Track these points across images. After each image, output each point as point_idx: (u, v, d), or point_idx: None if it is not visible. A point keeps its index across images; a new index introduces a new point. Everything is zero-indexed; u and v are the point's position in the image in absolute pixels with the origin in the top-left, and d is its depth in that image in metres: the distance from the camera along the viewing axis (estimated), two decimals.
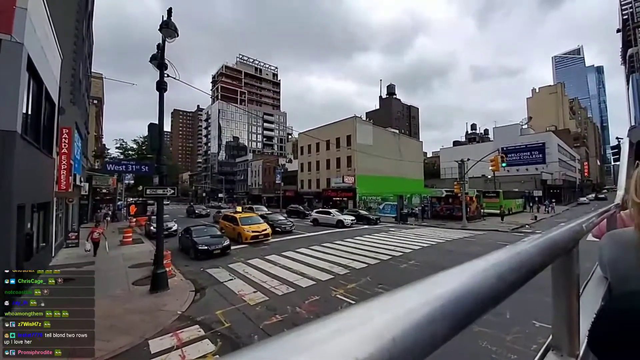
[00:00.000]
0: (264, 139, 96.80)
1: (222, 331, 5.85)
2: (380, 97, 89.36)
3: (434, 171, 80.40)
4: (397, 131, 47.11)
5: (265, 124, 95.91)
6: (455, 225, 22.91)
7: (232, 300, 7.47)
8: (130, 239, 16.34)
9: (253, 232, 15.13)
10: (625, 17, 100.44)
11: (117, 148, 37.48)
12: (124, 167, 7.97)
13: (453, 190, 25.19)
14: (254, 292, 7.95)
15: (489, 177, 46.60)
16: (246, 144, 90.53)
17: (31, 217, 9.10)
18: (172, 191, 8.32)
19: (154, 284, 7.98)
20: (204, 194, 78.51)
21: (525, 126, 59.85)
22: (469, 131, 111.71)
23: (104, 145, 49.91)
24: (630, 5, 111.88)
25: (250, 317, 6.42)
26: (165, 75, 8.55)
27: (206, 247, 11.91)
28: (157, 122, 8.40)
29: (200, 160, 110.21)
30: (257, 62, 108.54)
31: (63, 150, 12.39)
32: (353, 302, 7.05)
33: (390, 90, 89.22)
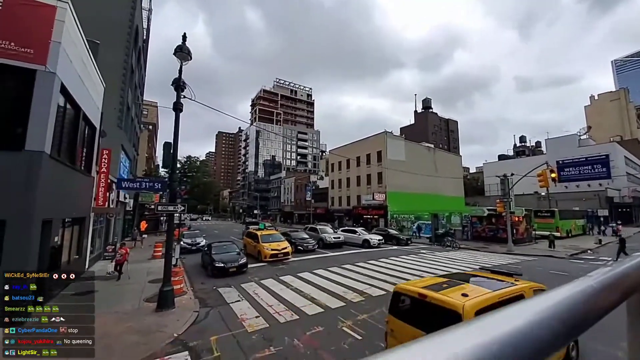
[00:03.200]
0: (298, 157, 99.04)
1: None
2: (415, 111, 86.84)
3: (478, 188, 74.64)
4: (432, 146, 44.79)
5: (299, 142, 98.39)
6: (499, 248, 20.38)
7: (232, 324, 7.02)
8: (160, 254, 16.99)
9: (272, 250, 14.81)
10: None
11: (162, 167, 40.82)
12: (137, 184, 8.27)
13: (497, 209, 22.63)
14: (256, 317, 7.44)
15: (543, 194, 41.74)
16: (282, 163, 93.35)
17: (62, 231, 9.82)
18: (183, 208, 8.36)
19: (159, 302, 7.91)
20: (240, 210, 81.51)
21: (584, 136, 53.28)
22: (518, 144, 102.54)
23: (158, 165, 54.88)
24: None
25: (243, 346, 5.89)
26: (182, 96, 8.86)
27: (222, 265, 11.79)
28: (178, 141, 8.69)
29: (239, 178, 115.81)
30: (292, 84, 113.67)
31: (102, 170, 13.49)
32: (359, 337, 6.18)
33: (426, 104, 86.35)
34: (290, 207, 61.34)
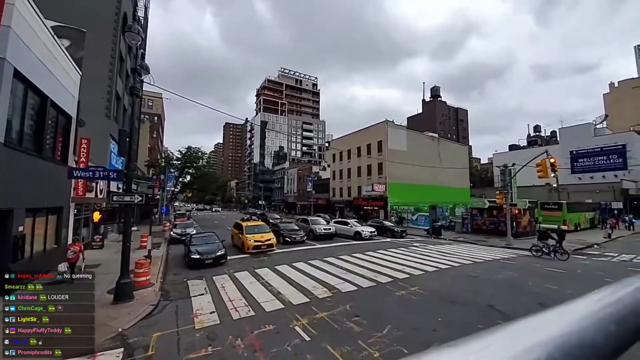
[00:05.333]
0: (304, 148, 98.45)
1: None
2: (423, 100, 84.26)
3: (487, 179, 72.74)
4: (436, 135, 43.33)
5: (304, 133, 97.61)
6: (498, 242, 19.54)
7: (183, 320, 6.72)
8: (146, 244, 16.99)
9: (255, 241, 14.53)
10: None
11: (163, 159, 41.00)
12: (90, 173, 7.94)
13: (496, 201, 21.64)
14: (211, 312, 7.12)
15: (554, 185, 40.04)
16: (287, 153, 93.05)
17: (32, 221, 9.73)
18: (140, 198, 8.04)
19: (116, 294, 7.69)
20: (246, 201, 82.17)
21: (601, 125, 50.53)
22: (532, 133, 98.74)
23: (167, 156, 55.24)
24: None
25: (181, 345, 5.57)
26: (139, 80, 8.43)
27: (198, 257, 11.57)
28: (136, 127, 8.34)
29: (245, 169, 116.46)
30: (297, 73, 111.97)
31: (81, 159, 13.34)
32: (308, 338, 5.76)
33: (435, 92, 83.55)
34: (294, 198, 61.24)
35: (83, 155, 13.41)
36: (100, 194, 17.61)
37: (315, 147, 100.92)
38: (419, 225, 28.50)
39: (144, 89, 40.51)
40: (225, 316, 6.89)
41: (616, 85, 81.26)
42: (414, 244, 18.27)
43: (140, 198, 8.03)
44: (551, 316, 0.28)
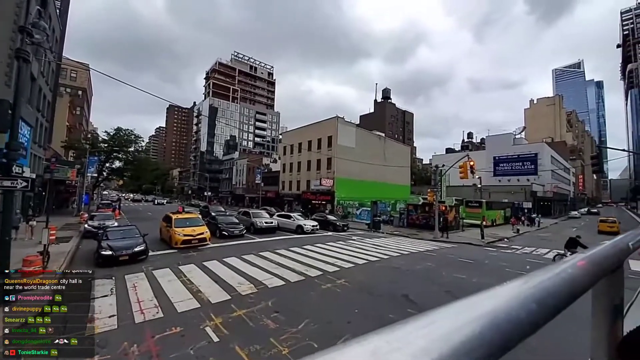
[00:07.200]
0: (257, 138, 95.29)
1: None
2: (375, 100, 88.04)
3: (427, 178, 79.31)
4: (382, 134, 45.60)
5: (257, 123, 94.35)
6: (427, 235, 21.34)
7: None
8: (54, 237, 14.65)
9: (185, 235, 13.48)
10: (626, 32, 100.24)
11: (83, 139, 35.75)
12: None
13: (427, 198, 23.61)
14: (110, 316, 6.30)
15: (479, 186, 45.33)
16: (237, 143, 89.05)
17: None
18: (25, 183, 6.72)
19: None
20: (189, 192, 76.81)
21: (519, 136, 58.64)
22: (465, 139, 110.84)
23: (95, 136, 47.93)
24: (631, 21, 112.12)
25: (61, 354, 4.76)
26: (29, 42, 6.99)
27: (109, 253, 10.25)
28: (21, 98, 6.87)
29: (191, 157, 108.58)
30: (252, 60, 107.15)
31: None
32: (217, 339, 5.43)
33: (386, 94, 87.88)
34: (242, 190, 59.08)
35: None
36: None
37: (269, 138, 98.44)
38: (361, 219, 29.75)
39: (65, 57, 34.61)
40: (126, 320, 6.15)
41: (535, 102, 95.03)
42: (353, 238, 18.94)
43: (24, 184, 6.70)
44: (487, 296, 0.33)
